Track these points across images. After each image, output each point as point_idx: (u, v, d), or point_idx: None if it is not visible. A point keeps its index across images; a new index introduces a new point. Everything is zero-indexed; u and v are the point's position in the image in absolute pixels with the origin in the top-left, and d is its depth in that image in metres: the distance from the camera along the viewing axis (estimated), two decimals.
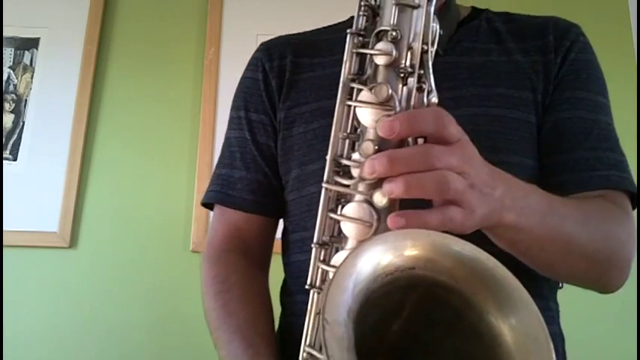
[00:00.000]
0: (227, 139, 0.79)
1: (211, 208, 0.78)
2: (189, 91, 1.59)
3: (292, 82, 0.73)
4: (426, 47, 0.46)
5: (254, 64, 0.78)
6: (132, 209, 1.49)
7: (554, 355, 0.36)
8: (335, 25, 0.81)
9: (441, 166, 0.41)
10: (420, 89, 0.46)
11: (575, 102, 0.67)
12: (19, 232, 1.43)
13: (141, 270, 1.45)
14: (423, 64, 0.46)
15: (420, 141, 0.44)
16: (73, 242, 1.45)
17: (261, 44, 0.80)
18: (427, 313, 0.43)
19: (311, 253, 0.66)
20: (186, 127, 1.55)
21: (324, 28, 0.81)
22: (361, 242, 0.42)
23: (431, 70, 0.46)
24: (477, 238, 0.43)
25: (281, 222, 0.76)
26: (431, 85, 0.46)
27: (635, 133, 1.50)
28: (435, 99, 0.46)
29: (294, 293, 0.71)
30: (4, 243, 1.38)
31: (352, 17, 0.77)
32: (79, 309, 1.41)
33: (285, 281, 0.75)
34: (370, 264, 0.37)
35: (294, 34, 0.82)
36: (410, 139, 0.44)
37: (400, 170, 0.40)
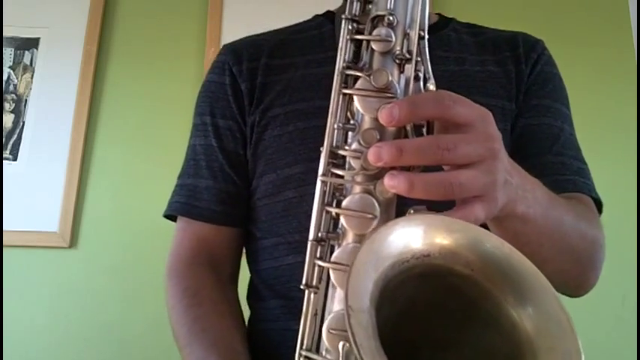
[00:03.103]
0: (191, 146, 0.74)
1: (175, 220, 0.73)
2: (189, 91, 1.58)
3: (264, 85, 0.70)
4: (422, 33, 0.44)
5: (219, 67, 0.73)
6: (132, 209, 1.49)
7: (578, 337, 0.36)
8: (301, 23, 0.78)
9: (454, 158, 0.39)
10: (416, 77, 0.44)
11: (541, 109, 0.69)
12: (19, 232, 1.43)
13: (141, 270, 1.45)
14: (419, 51, 0.44)
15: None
16: (73, 242, 1.45)
17: (225, 46, 0.76)
18: (443, 303, 0.41)
19: (285, 258, 0.64)
20: (186, 127, 1.54)
21: (291, 26, 0.78)
22: (370, 233, 0.40)
23: (428, 57, 0.45)
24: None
25: None
26: (428, 72, 0.44)
27: (635, 133, 1.50)
28: (432, 87, 0.44)
29: (267, 298, 0.67)
30: (4, 243, 1.38)
31: (317, 16, 0.78)
32: (79, 309, 1.41)
33: (254, 287, 0.71)
34: (387, 250, 0.36)
35: (259, 35, 0.78)
36: (409, 128, 0.41)
37: (408, 161, 0.38)
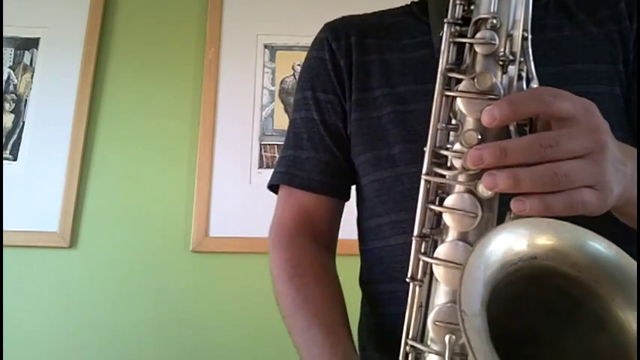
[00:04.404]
0: (292, 120, 0.76)
1: (276, 191, 0.76)
2: (189, 91, 1.59)
3: (361, 63, 0.72)
4: (526, 34, 0.45)
5: (319, 43, 0.76)
6: (132, 209, 1.49)
7: None
8: (394, 9, 0.79)
9: (559, 155, 0.39)
10: (519, 77, 0.45)
11: None
12: (19, 232, 1.43)
13: (141, 270, 1.45)
14: (522, 52, 0.45)
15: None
16: (73, 242, 1.45)
17: (326, 24, 0.78)
18: (548, 303, 0.42)
19: (388, 239, 0.65)
20: (186, 127, 1.55)
21: (384, 11, 0.79)
22: (472, 232, 0.42)
23: (531, 57, 0.45)
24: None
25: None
26: (532, 72, 0.45)
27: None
28: (536, 86, 0.45)
29: (376, 282, 0.69)
30: (4, 243, 1.38)
31: (413, 3, 0.77)
32: (78, 309, 1.41)
33: (363, 270, 0.73)
34: (496, 255, 0.37)
35: (356, 16, 0.80)
36: (512, 128, 0.42)
37: (512, 161, 0.39)
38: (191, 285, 1.45)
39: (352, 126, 0.71)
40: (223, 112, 1.56)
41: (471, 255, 0.36)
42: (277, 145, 1.53)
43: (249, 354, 1.40)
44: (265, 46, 1.61)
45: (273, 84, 1.59)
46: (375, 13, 0.80)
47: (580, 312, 0.40)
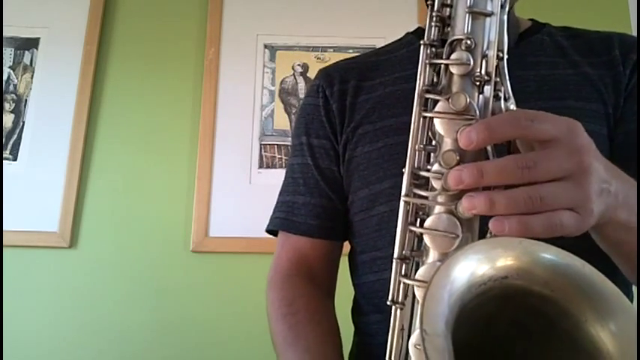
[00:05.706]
0: (289, 165, 0.78)
1: (276, 235, 0.78)
2: (189, 91, 1.59)
3: (354, 104, 0.73)
4: (501, 54, 0.45)
5: (314, 90, 0.78)
6: (132, 209, 1.49)
7: None
8: (392, 43, 0.80)
9: (537, 176, 0.39)
10: (496, 97, 0.45)
11: None
12: (19, 232, 1.43)
13: (141, 270, 1.45)
14: (498, 72, 0.45)
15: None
16: (73, 242, 1.45)
17: (320, 70, 0.80)
18: (521, 323, 0.42)
19: (383, 272, 0.66)
20: (186, 127, 1.55)
21: (381, 48, 0.81)
22: (452, 253, 0.41)
23: (507, 77, 0.45)
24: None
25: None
26: (508, 93, 0.45)
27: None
28: (512, 106, 0.45)
29: (367, 313, 0.70)
30: (4, 243, 1.38)
31: (408, 34, 0.79)
32: (78, 309, 1.41)
33: (356, 301, 0.74)
34: (463, 274, 0.36)
35: (352, 59, 0.81)
36: (489, 148, 0.42)
37: (489, 182, 0.39)
38: (191, 285, 1.45)
39: (346, 164, 0.72)
40: (223, 112, 1.56)
41: (436, 274, 0.35)
42: (277, 145, 1.53)
43: (249, 354, 1.40)
44: (265, 46, 1.61)
45: (273, 84, 1.59)
46: (372, 51, 0.82)
47: (554, 332, 0.40)
